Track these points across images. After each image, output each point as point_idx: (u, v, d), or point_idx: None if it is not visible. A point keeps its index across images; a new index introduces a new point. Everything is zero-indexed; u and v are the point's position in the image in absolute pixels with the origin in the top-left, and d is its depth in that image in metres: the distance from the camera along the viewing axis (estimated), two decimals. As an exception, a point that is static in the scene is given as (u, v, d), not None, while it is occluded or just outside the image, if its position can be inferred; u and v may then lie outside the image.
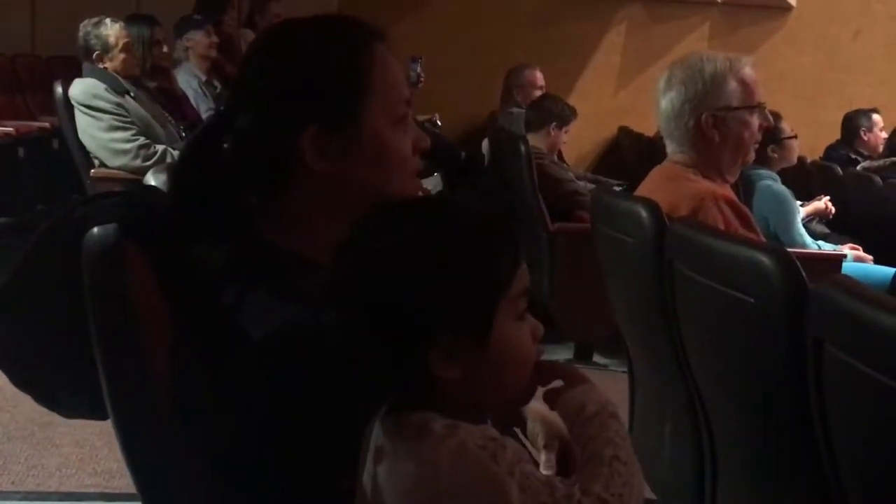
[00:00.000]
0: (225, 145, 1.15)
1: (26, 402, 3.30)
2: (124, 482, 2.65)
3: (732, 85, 2.15)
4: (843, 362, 1.27)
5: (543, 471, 1.42)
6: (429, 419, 0.90)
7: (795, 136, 4.20)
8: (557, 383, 1.01)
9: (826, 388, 1.34)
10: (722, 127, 2.16)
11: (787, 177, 4.31)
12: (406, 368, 0.92)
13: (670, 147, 2.23)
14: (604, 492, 0.89)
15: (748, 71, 2.17)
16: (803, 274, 1.45)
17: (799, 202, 4.19)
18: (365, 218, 0.95)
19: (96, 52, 4.21)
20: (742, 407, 1.70)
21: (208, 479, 1.06)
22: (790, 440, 1.52)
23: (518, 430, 1.51)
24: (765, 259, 1.49)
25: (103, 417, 1.16)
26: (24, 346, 1.15)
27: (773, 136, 4.04)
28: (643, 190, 2.24)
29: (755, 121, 2.18)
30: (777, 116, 4.14)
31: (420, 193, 1.25)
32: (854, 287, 1.31)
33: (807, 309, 1.38)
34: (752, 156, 2.22)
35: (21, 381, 1.18)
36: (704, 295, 1.71)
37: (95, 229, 1.05)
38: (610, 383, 3.81)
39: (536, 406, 1.51)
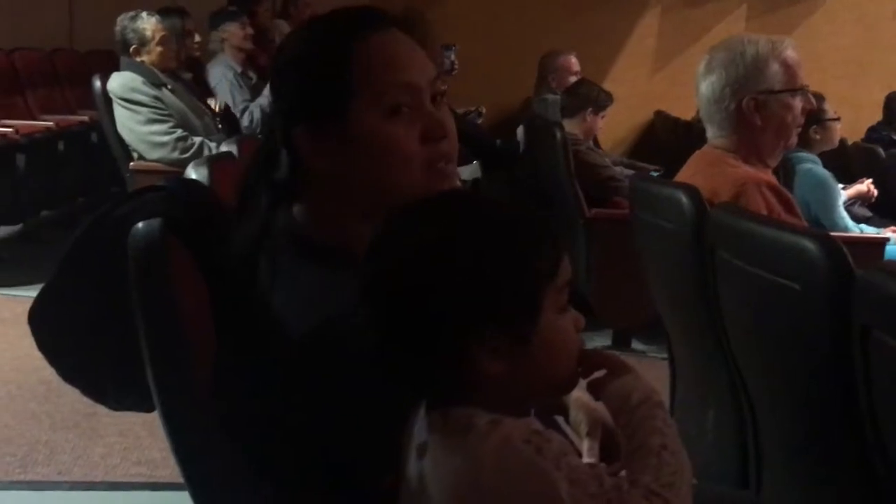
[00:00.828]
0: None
1: (71, 393, 3.35)
2: (168, 472, 2.69)
3: (774, 67, 2.12)
4: (892, 349, 1.25)
5: (586, 459, 1.41)
6: (472, 414, 0.89)
7: (838, 119, 4.13)
8: (601, 373, 1.00)
9: (874, 375, 1.32)
10: (764, 111, 2.12)
11: (828, 159, 4.25)
12: (447, 366, 0.90)
13: (711, 132, 2.20)
14: (653, 482, 0.87)
15: (791, 53, 2.13)
16: (850, 259, 1.43)
17: (840, 185, 4.13)
18: (399, 213, 0.94)
19: (133, 46, 4.25)
20: (786, 393, 1.69)
21: (252, 472, 1.06)
22: (836, 427, 1.50)
23: (560, 419, 1.51)
24: (810, 245, 1.48)
25: (149, 409, 1.17)
26: (71, 341, 1.16)
27: (815, 117, 3.98)
28: (683, 175, 2.22)
29: (798, 104, 2.14)
30: (820, 98, 4.08)
31: (453, 181, 1.23)
32: (902, 272, 1.29)
33: (853, 295, 1.37)
34: (794, 140, 2.18)
35: (69, 375, 1.20)
36: (747, 282, 1.70)
37: (140, 224, 1.06)
38: (648, 370, 3.81)
39: (578, 394, 1.50)
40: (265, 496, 1.08)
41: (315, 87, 1.11)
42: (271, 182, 1.15)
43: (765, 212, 2.01)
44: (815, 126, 3.97)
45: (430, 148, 1.12)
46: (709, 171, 2.13)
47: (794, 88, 2.13)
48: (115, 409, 1.27)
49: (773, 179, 2.12)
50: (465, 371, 0.90)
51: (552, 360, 0.93)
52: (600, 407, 1.49)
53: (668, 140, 6.46)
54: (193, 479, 1.13)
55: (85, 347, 1.15)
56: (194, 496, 1.15)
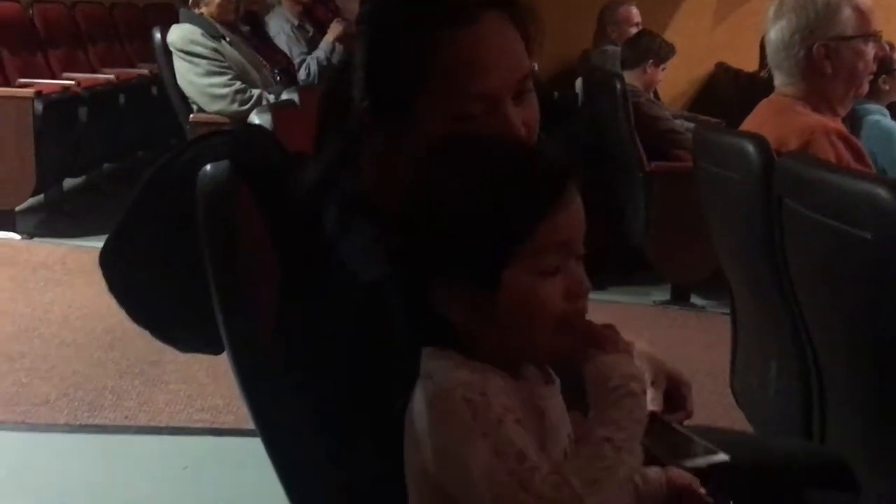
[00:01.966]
0: None
1: (136, 341, 3.45)
2: (231, 418, 2.75)
3: (846, 13, 2.05)
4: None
5: (651, 408, 1.41)
6: (448, 356, 0.88)
7: (910, 68, 4.00)
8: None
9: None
10: (834, 57, 2.06)
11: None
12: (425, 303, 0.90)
13: (779, 79, 2.15)
14: (573, 474, 0.81)
15: (863, -3, 2.06)
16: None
17: (910, 137, 4.02)
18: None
19: None
20: (854, 343, 1.66)
21: (318, 407, 1.06)
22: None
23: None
24: (882, 192, 1.44)
25: (217, 352, 1.18)
26: (141, 283, 1.18)
27: (884, 67, 3.87)
28: (749, 125, 2.17)
29: (870, 50, 2.08)
30: (891, 46, 3.97)
31: None
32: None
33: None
34: (865, 88, 2.12)
35: (139, 319, 1.21)
36: (816, 231, 1.66)
37: (208, 167, 1.06)
38: (708, 324, 3.80)
39: (642, 345, 1.50)
40: (329, 442, 1.09)
41: (382, 78, 1.06)
42: (342, 131, 1.13)
43: (834, 161, 1.96)
44: (883, 76, 3.85)
45: None
46: (776, 119, 2.08)
47: (867, 34, 2.06)
48: (184, 350, 1.29)
49: (842, 128, 2.07)
50: (437, 314, 0.89)
51: (521, 322, 0.88)
52: (663, 358, 1.48)
53: (729, 93, 6.34)
54: (262, 421, 1.14)
55: (154, 289, 1.17)
56: (264, 438, 1.16)
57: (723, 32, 6.99)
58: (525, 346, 0.89)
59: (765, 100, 2.20)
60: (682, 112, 5.64)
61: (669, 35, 6.54)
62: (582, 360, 0.89)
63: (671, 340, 3.70)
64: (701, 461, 1.24)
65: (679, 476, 1.04)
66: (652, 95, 4.63)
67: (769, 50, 2.13)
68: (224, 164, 1.06)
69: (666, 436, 1.36)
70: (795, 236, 1.78)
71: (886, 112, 3.86)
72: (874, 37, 2.07)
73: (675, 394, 1.43)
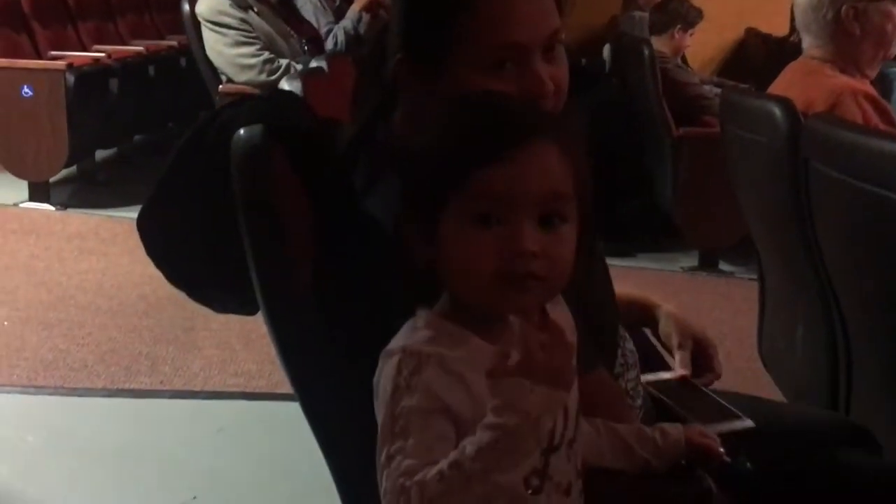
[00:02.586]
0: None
1: (170, 308, 3.52)
2: (263, 382, 2.80)
3: (875, -26, 2.05)
4: None
5: (679, 370, 1.42)
6: (420, 316, 0.91)
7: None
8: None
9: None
10: (863, 19, 2.06)
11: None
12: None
13: (807, 41, 2.15)
14: (406, 475, 0.81)
15: (892, -41, 2.05)
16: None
17: (942, 101, 3.98)
18: None
19: None
20: (882, 307, 1.67)
21: (355, 364, 1.09)
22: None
23: (648, 331, 1.52)
24: (911, 153, 1.44)
25: (252, 312, 1.21)
26: (178, 244, 1.21)
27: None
28: (777, 87, 2.17)
29: (899, 12, 2.07)
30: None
31: None
32: None
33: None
34: (894, 50, 2.11)
35: (176, 280, 1.24)
36: (844, 193, 1.67)
37: (242, 130, 1.09)
38: (736, 290, 3.80)
39: (668, 307, 1.51)
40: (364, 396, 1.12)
41: (417, 30, 1.10)
42: (379, 84, 1.16)
43: (861, 122, 1.96)
44: (916, 39, 3.81)
45: None
46: (804, 81, 2.08)
47: (897, -5, 2.05)
48: (219, 311, 1.32)
49: (870, 89, 2.07)
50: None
51: (453, 269, 0.89)
52: (691, 320, 1.50)
53: (759, 58, 6.28)
54: (297, 376, 1.17)
55: (191, 251, 1.20)
56: (298, 391, 1.19)
57: (753, -3, 6.91)
58: (470, 298, 0.89)
59: (793, 62, 2.20)
60: (712, 78, 5.59)
61: (698, 0, 6.51)
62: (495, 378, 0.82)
63: (699, 306, 3.71)
64: (725, 426, 1.26)
65: (699, 434, 1.05)
66: (680, 61, 4.61)
67: (797, 12, 2.13)
68: (258, 127, 1.08)
69: (694, 399, 1.38)
70: (823, 199, 1.78)
71: (918, 75, 3.83)
72: (904, -3, 2.06)
73: (702, 355, 1.45)
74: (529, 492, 0.85)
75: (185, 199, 1.17)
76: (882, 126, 1.99)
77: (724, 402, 1.35)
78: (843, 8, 2.05)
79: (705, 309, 3.69)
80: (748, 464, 1.04)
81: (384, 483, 0.83)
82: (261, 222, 1.09)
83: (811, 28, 2.11)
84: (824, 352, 1.96)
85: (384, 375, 0.87)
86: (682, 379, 1.41)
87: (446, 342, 0.87)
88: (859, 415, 1.84)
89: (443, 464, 0.80)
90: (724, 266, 4.20)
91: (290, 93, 1.38)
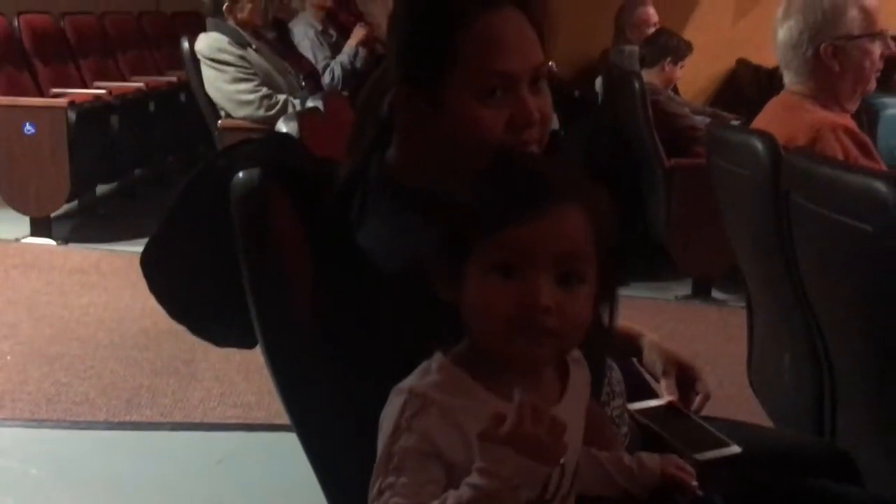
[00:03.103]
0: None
1: (170, 341, 3.55)
2: (262, 413, 2.84)
3: (853, 13, 2.11)
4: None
5: (666, 395, 1.47)
6: (434, 359, 0.96)
7: (925, 62, 4.04)
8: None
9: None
10: (842, 56, 2.12)
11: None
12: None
13: (788, 77, 2.21)
14: None
15: (869, -2, 2.12)
16: (921, 200, 1.45)
17: (928, 130, 4.05)
18: None
19: (226, 3, 4.35)
20: (861, 336, 1.72)
21: (355, 400, 1.14)
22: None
23: (635, 361, 1.57)
24: (881, 186, 1.49)
25: (251, 346, 1.27)
26: (180, 285, 1.27)
27: (900, 61, 3.91)
28: (760, 121, 2.23)
29: (877, 49, 2.13)
30: (904, 41, 4.00)
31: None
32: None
33: (925, 235, 1.39)
34: (872, 85, 2.17)
35: (178, 315, 1.30)
36: (821, 225, 1.72)
37: (241, 174, 1.15)
38: (729, 318, 3.85)
39: (651, 336, 1.57)
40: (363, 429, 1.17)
41: (416, 56, 1.16)
42: (375, 120, 1.22)
43: (841, 156, 2.02)
44: (901, 70, 3.89)
45: (514, 134, 1.14)
46: (785, 116, 2.14)
47: (873, 33, 2.12)
48: (220, 345, 1.38)
49: (850, 123, 2.13)
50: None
51: (475, 317, 0.94)
52: (673, 347, 1.55)
53: (750, 88, 6.37)
54: (295, 410, 1.22)
55: (193, 289, 1.25)
56: (297, 425, 1.24)
57: (744, 28, 7.00)
58: (485, 342, 0.94)
59: (775, 97, 2.26)
60: (704, 108, 5.67)
61: (690, 31, 6.58)
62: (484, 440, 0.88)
63: (693, 334, 3.76)
64: (714, 453, 1.30)
65: (675, 466, 1.08)
66: (672, 92, 4.68)
67: (778, 50, 2.19)
68: (255, 170, 1.14)
69: (681, 425, 1.42)
70: (803, 231, 1.84)
71: (903, 106, 3.91)
72: (880, 35, 2.13)
73: (686, 380, 1.50)
74: None
75: (188, 239, 1.23)
76: (862, 159, 2.05)
77: (711, 429, 1.40)
78: (823, 45, 2.12)
79: (699, 336, 3.74)
80: (719, 501, 1.08)
81: None
82: (260, 260, 1.15)
83: (792, 65, 2.17)
84: (810, 379, 2.00)
85: (388, 412, 0.93)
86: (670, 405, 1.45)
87: (453, 390, 0.92)
88: (844, 440, 1.88)
89: None
90: (716, 294, 4.25)
91: (286, 135, 1.45)
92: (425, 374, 0.94)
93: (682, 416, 1.44)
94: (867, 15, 2.12)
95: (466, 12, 1.13)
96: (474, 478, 0.84)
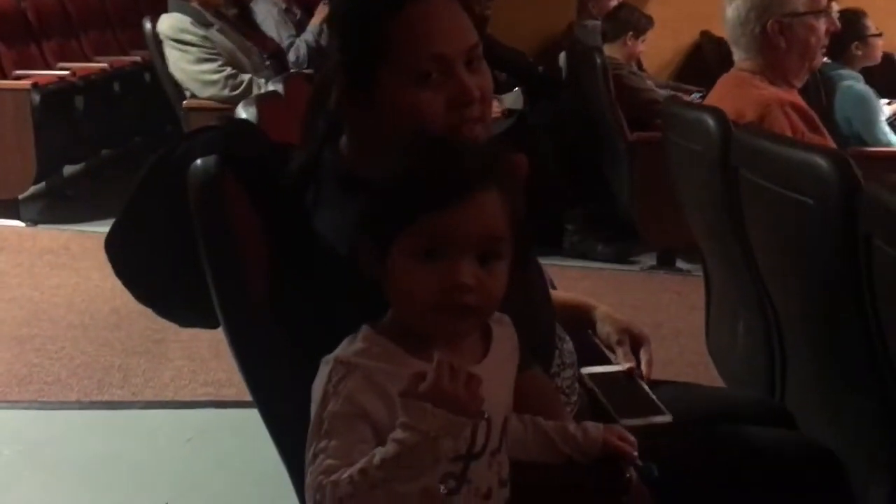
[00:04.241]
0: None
1: (141, 320, 3.58)
2: (233, 391, 2.89)
3: (798, -10, 2.17)
4: (891, 255, 1.35)
5: (623, 363, 1.53)
6: (360, 331, 1.02)
7: (880, 35, 4.12)
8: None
9: (875, 280, 1.41)
10: (788, 33, 2.18)
11: (876, 73, 4.24)
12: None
13: (737, 55, 2.27)
14: (324, 473, 0.93)
15: (813, -24, 2.18)
16: (858, 174, 1.51)
17: (885, 100, 4.13)
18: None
19: None
20: (805, 303, 1.79)
21: (309, 376, 1.19)
22: (849, 336, 1.60)
23: (591, 332, 1.63)
24: (821, 161, 1.56)
25: (215, 326, 1.31)
26: (144, 268, 1.31)
27: (856, 33, 3.99)
28: (711, 98, 2.30)
29: (822, 25, 2.20)
30: (861, 13, 4.08)
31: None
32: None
33: (859, 207, 1.45)
34: (818, 60, 2.24)
35: (143, 298, 1.34)
36: (768, 198, 1.79)
37: (199, 161, 1.19)
38: (692, 288, 3.92)
39: (603, 307, 1.63)
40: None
41: (350, 49, 1.21)
42: (325, 114, 1.26)
43: (789, 131, 2.08)
44: (856, 42, 3.97)
45: (456, 113, 1.19)
46: (735, 93, 2.20)
47: (818, 10, 2.18)
48: (184, 325, 1.43)
49: (797, 99, 2.19)
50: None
51: (396, 294, 1.01)
52: (623, 317, 1.62)
53: (714, 61, 6.41)
54: (256, 388, 1.27)
55: (156, 272, 1.29)
56: (258, 403, 1.29)
57: (706, 2, 7.04)
58: (410, 321, 1.01)
59: (725, 75, 2.32)
60: (668, 82, 5.74)
61: (654, 4, 6.61)
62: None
63: (657, 304, 3.84)
64: (642, 420, 1.37)
65: (616, 435, 1.14)
66: (635, 67, 4.74)
67: (727, 27, 2.25)
68: (212, 157, 1.18)
69: (626, 393, 1.49)
70: (751, 204, 1.90)
71: (860, 77, 3.98)
72: (824, 11, 2.19)
73: (635, 349, 1.57)
74: (444, 492, 0.96)
75: (150, 224, 1.27)
76: (808, 134, 2.11)
77: (652, 397, 1.46)
78: (769, 22, 2.18)
79: (663, 306, 3.82)
80: (654, 470, 1.14)
81: (307, 478, 0.95)
82: (217, 245, 1.19)
83: (740, 42, 2.23)
84: (762, 346, 2.08)
85: (317, 382, 0.99)
86: (629, 372, 1.52)
87: (377, 356, 0.99)
88: (792, 400, 1.96)
89: (354, 468, 0.91)
90: (681, 264, 4.33)
91: (244, 121, 1.49)
92: (350, 344, 1.01)
93: (630, 383, 1.51)
94: (811, -8, 2.18)
95: (391, 7, 1.18)
96: (397, 433, 0.91)
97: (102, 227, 1.31)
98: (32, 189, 4.93)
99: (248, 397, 1.32)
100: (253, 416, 1.35)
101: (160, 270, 1.29)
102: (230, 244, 1.18)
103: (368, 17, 1.19)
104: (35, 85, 4.57)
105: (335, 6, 1.28)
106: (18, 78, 4.77)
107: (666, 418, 1.36)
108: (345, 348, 1.01)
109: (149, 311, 1.37)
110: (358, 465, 0.91)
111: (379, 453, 0.91)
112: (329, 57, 1.28)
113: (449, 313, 0.99)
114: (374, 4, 1.20)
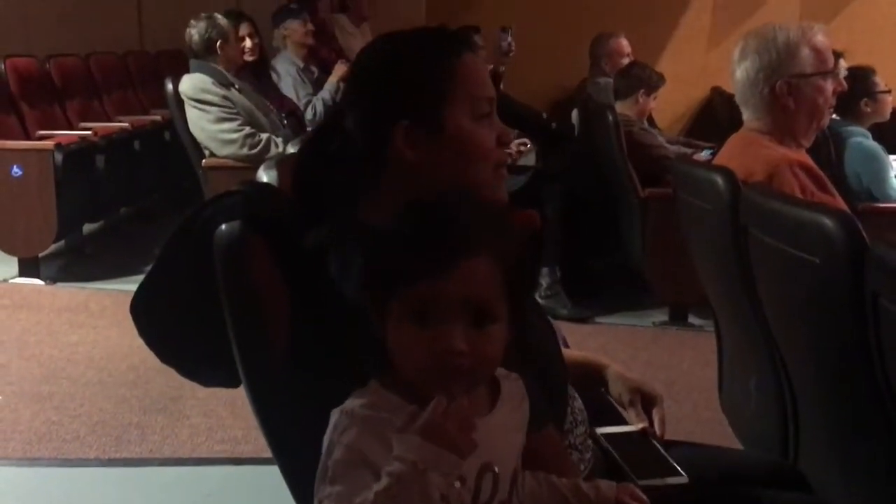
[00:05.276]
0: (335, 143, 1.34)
1: (158, 378, 3.60)
2: (249, 447, 2.91)
3: (805, 52, 2.22)
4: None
5: (636, 423, 1.55)
6: (368, 386, 1.06)
7: (889, 91, 4.16)
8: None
9: (883, 340, 1.44)
10: (796, 93, 2.23)
11: (886, 129, 4.29)
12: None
13: (746, 115, 2.32)
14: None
15: (820, 38, 2.23)
16: (864, 235, 1.54)
17: (895, 156, 4.17)
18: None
19: (219, 42, 4.44)
20: (815, 362, 1.81)
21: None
22: (858, 391, 1.62)
23: (604, 391, 1.66)
24: (828, 221, 1.59)
25: (236, 385, 1.35)
26: (169, 330, 1.35)
27: (866, 90, 4.04)
28: (721, 157, 2.34)
29: (829, 86, 2.24)
30: (870, 70, 4.13)
31: (505, 183, 1.38)
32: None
33: (866, 267, 1.48)
34: (826, 120, 2.28)
35: (167, 358, 1.38)
36: (777, 257, 1.82)
37: (223, 226, 1.23)
38: (704, 343, 3.92)
39: (614, 367, 1.65)
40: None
41: (418, 90, 1.29)
42: (340, 177, 1.32)
43: (798, 191, 2.12)
44: (865, 99, 4.02)
45: (500, 151, 1.33)
46: (745, 152, 2.24)
47: (825, 71, 2.23)
48: (206, 385, 1.46)
49: (805, 159, 2.23)
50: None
51: (393, 352, 1.05)
52: (635, 375, 1.64)
53: (725, 116, 6.49)
54: (277, 446, 1.30)
55: (181, 333, 1.33)
56: (279, 459, 1.32)
57: (717, 58, 7.15)
58: (407, 377, 1.04)
59: (734, 134, 2.36)
60: (679, 138, 5.80)
61: (666, 61, 6.74)
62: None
63: (670, 360, 3.85)
64: (659, 481, 1.39)
65: (629, 494, 1.15)
66: (646, 123, 4.80)
67: (736, 88, 2.30)
68: (236, 223, 1.23)
69: (640, 451, 1.51)
70: (761, 262, 1.94)
71: (868, 134, 4.02)
72: (832, 72, 2.24)
73: (647, 408, 1.59)
74: None
75: (175, 287, 1.32)
76: (818, 193, 2.14)
77: (667, 457, 1.48)
78: (778, 83, 2.22)
79: (675, 362, 3.82)
80: None
81: None
82: (242, 308, 1.23)
83: (749, 103, 2.28)
84: (773, 403, 2.09)
85: (326, 432, 1.04)
86: (643, 432, 1.54)
87: (381, 408, 1.02)
88: (806, 462, 1.97)
89: None
90: (693, 320, 4.35)
91: (266, 184, 1.53)
92: (357, 397, 1.05)
93: (645, 442, 1.53)
94: (818, 53, 2.23)
95: (455, 51, 1.32)
96: (389, 465, 0.95)
97: (120, 285, 1.36)
98: (53, 247, 5.00)
99: (265, 454, 1.35)
100: (269, 472, 1.38)
101: (185, 332, 1.33)
102: (254, 307, 1.22)
103: (429, 64, 1.30)
104: (58, 145, 4.67)
105: (385, 58, 1.35)
106: (42, 138, 4.88)
107: (682, 479, 1.38)
108: (352, 401, 1.04)
109: (166, 369, 1.41)
110: (359, 498, 0.95)
111: (374, 487, 0.95)
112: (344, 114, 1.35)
113: (443, 376, 1.01)
114: (440, 52, 1.31)
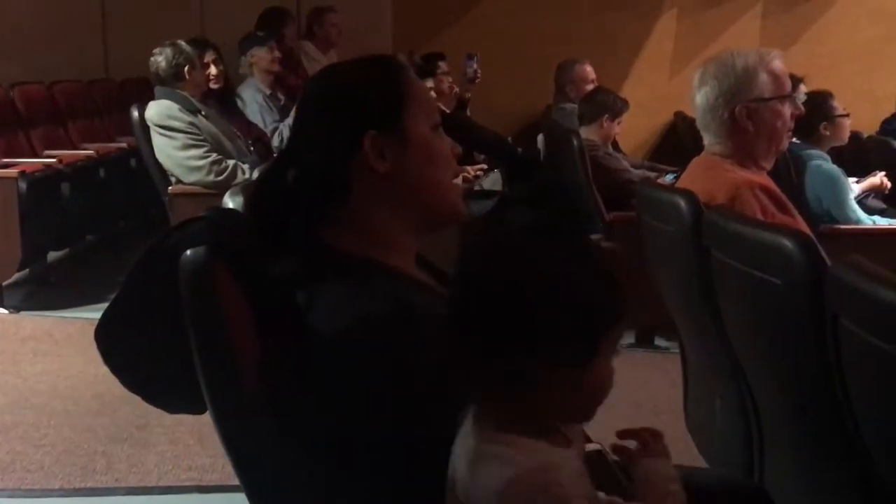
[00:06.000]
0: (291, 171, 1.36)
1: (124, 407, 3.56)
2: (216, 476, 2.89)
3: (763, 77, 2.27)
4: (857, 335, 1.40)
5: (593, 444, 1.56)
6: (504, 441, 1.03)
7: (847, 115, 4.24)
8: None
9: (844, 360, 1.46)
10: (755, 117, 2.27)
11: (845, 152, 4.36)
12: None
13: (707, 139, 2.36)
14: None
15: (777, 63, 2.28)
16: (823, 254, 1.57)
17: (854, 179, 4.24)
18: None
19: (186, 67, 4.45)
20: (778, 381, 1.83)
21: (302, 464, 1.22)
22: (821, 410, 1.64)
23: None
24: (788, 242, 1.62)
25: (202, 412, 1.34)
26: (135, 357, 1.35)
27: (824, 114, 4.12)
28: (683, 181, 2.37)
29: (787, 110, 2.29)
30: (828, 95, 4.22)
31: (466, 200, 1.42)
32: (866, 266, 1.43)
33: (825, 287, 1.51)
34: (785, 143, 2.33)
35: (132, 385, 1.38)
36: (739, 278, 1.85)
37: (188, 252, 1.24)
38: (671, 365, 3.96)
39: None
40: (314, 485, 1.24)
41: (377, 101, 1.34)
42: (299, 205, 1.33)
43: (759, 213, 2.15)
44: (824, 122, 4.10)
45: (454, 162, 1.42)
46: (706, 175, 2.28)
47: (783, 95, 2.27)
48: (172, 412, 1.45)
49: (766, 181, 2.27)
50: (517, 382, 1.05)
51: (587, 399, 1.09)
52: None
53: (688, 139, 6.57)
54: (244, 473, 1.30)
55: (146, 360, 1.33)
56: (246, 487, 1.31)
57: (680, 82, 7.23)
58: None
59: (696, 158, 2.40)
60: (643, 162, 5.86)
61: (629, 87, 6.82)
62: (631, 459, 1.15)
63: (637, 381, 3.87)
64: (605, 499, 1.40)
65: None
66: (610, 148, 4.85)
67: (697, 113, 2.34)
68: (201, 249, 1.23)
69: (598, 472, 1.52)
70: (723, 284, 1.96)
71: (827, 157, 4.09)
72: (789, 97, 2.29)
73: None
74: None
75: (140, 314, 1.31)
76: (778, 215, 2.18)
77: (622, 476, 1.49)
78: (737, 108, 2.27)
79: (643, 384, 3.84)
80: None
81: None
82: (208, 333, 1.23)
83: (710, 127, 2.32)
84: (738, 423, 2.11)
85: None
86: (599, 453, 1.55)
87: (529, 452, 1.03)
88: (771, 482, 1.99)
89: None
90: (659, 342, 4.38)
91: (232, 210, 1.53)
92: (504, 464, 1.02)
93: (603, 462, 1.53)
94: (776, 78, 2.27)
95: (400, 68, 1.39)
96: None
97: (86, 314, 1.35)
98: (16, 276, 4.95)
99: (232, 482, 1.34)
100: (237, 500, 1.37)
101: (150, 359, 1.33)
102: (220, 332, 1.22)
103: (390, 77, 1.36)
104: (22, 173, 4.63)
105: (344, 79, 1.39)
106: (6, 166, 4.82)
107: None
108: (502, 466, 1.01)
109: (132, 397, 1.40)
110: None
111: None
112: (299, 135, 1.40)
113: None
114: (392, 69, 1.37)
